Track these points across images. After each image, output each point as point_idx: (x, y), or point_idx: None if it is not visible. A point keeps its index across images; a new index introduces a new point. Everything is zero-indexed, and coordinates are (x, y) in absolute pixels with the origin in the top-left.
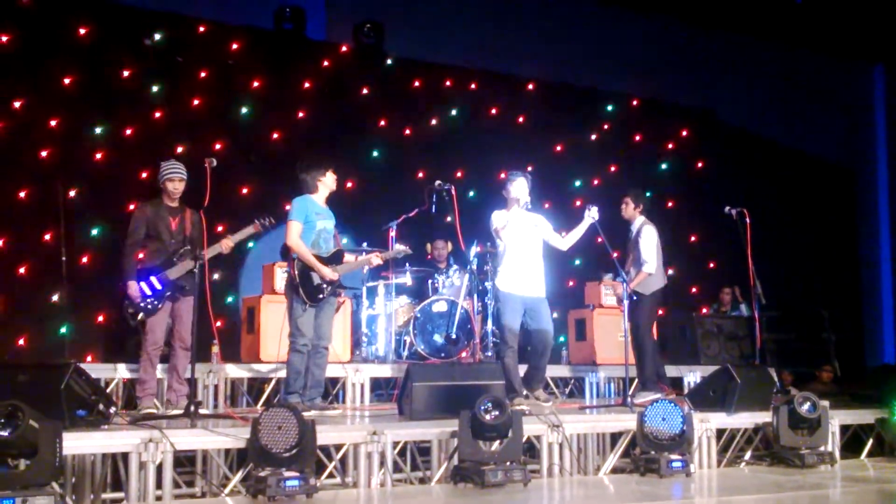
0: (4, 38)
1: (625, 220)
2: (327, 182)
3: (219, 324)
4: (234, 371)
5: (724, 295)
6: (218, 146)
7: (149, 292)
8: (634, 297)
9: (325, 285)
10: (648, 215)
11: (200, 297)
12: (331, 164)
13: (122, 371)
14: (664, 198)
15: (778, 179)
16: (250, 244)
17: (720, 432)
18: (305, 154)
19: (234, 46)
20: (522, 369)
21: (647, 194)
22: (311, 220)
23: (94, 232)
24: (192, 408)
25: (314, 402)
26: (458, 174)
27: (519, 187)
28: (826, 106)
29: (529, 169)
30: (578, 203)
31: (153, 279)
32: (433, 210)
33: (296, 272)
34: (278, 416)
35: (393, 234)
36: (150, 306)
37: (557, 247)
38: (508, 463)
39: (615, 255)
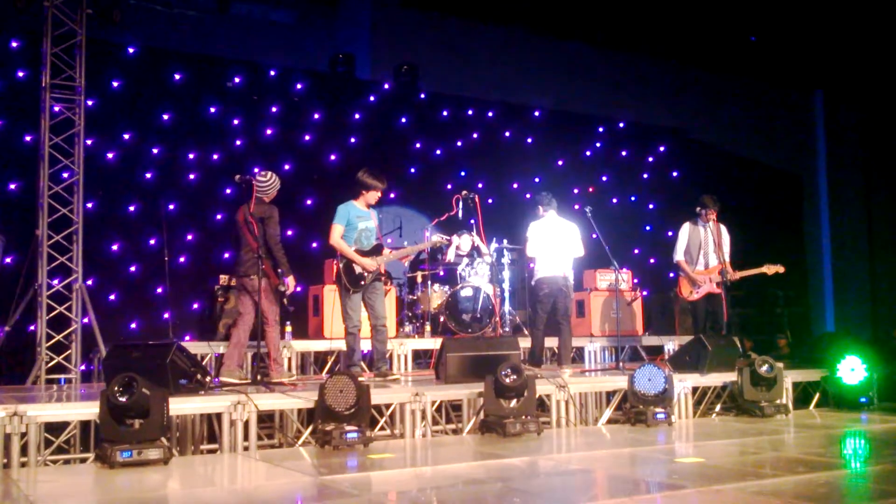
0: (115, 84)
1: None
2: (367, 198)
3: (291, 308)
4: (304, 346)
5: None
6: (287, 167)
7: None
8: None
9: (365, 273)
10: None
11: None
12: (377, 188)
13: (214, 348)
14: (646, 201)
15: (739, 184)
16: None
17: (695, 390)
18: (368, 167)
19: (299, 86)
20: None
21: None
22: (352, 222)
23: (189, 238)
24: (258, 376)
25: (381, 371)
26: (480, 185)
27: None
28: (778, 124)
29: (536, 180)
30: (576, 207)
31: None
32: (460, 215)
33: (340, 266)
34: (340, 381)
35: (428, 234)
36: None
37: None
38: (525, 417)
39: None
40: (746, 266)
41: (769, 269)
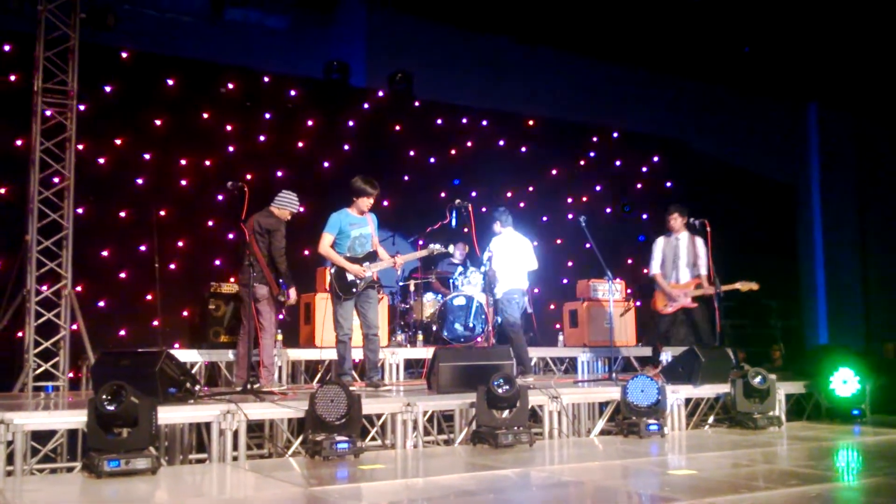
0: (108, 89)
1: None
2: (360, 204)
3: (281, 316)
4: (295, 354)
5: None
6: (279, 174)
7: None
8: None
9: (358, 281)
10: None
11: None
12: (368, 193)
13: (203, 356)
14: (640, 211)
15: (733, 195)
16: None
17: (688, 401)
18: (362, 173)
19: (292, 93)
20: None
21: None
22: (345, 230)
23: (180, 244)
24: (249, 385)
25: (373, 381)
26: (473, 194)
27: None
28: (772, 135)
29: (530, 189)
30: (570, 216)
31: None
32: (453, 224)
33: (331, 273)
34: (331, 391)
35: (421, 242)
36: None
37: None
38: (517, 428)
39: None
40: (740, 278)
41: (743, 286)
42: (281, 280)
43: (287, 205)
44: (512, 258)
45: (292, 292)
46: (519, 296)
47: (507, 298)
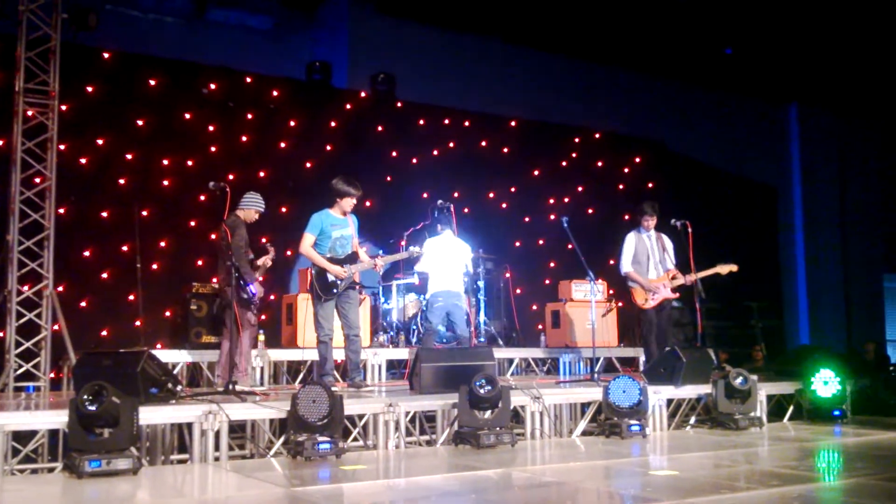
0: (90, 89)
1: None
2: (342, 205)
3: (263, 317)
4: (277, 355)
5: None
6: (262, 174)
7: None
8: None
9: (338, 281)
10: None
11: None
12: (351, 194)
13: (185, 356)
14: (621, 212)
15: (715, 196)
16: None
17: (670, 402)
18: (343, 174)
19: (275, 94)
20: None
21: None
22: (326, 230)
23: (162, 244)
24: (231, 386)
25: (354, 381)
26: (456, 194)
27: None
28: (754, 136)
29: (513, 190)
30: (552, 217)
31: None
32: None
33: (312, 273)
34: (313, 391)
35: (403, 243)
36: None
37: None
38: (499, 428)
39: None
40: (721, 279)
41: (723, 269)
42: (242, 280)
43: (251, 205)
44: (443, 260)
45: (255, 288)
46: (444, 299)
47: (429, 301)
